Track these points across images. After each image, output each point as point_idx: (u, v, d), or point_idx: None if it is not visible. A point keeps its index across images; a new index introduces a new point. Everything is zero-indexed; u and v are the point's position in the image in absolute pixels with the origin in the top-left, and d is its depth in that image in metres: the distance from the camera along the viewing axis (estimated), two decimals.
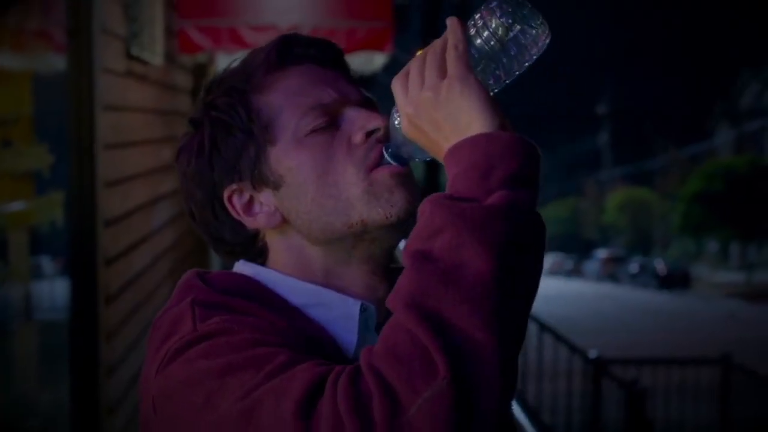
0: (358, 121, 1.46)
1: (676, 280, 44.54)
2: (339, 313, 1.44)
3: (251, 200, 1.48)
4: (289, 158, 1.45)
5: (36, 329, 4.67)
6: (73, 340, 4.66)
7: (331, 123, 1.46)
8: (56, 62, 4.78)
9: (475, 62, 1.34)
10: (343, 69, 1.53)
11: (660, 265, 46.65)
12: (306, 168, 1.44)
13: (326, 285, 1.47)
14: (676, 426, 11.01)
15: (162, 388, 1.33)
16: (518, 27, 1.32)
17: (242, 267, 1.52)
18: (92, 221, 4.65)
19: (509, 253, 1.22)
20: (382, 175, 1.44)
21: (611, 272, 52.68)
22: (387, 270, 1.50)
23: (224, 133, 1.47)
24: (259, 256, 1.51)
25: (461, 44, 1.33)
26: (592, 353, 9.91)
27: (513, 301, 1.22)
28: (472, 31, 1.34)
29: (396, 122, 1.42)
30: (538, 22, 1.32)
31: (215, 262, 9.42)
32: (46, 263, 4.96)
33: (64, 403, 4.66)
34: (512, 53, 1.33)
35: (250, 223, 1.48)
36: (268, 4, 7.14)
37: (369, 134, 1.46)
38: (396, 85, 1.37)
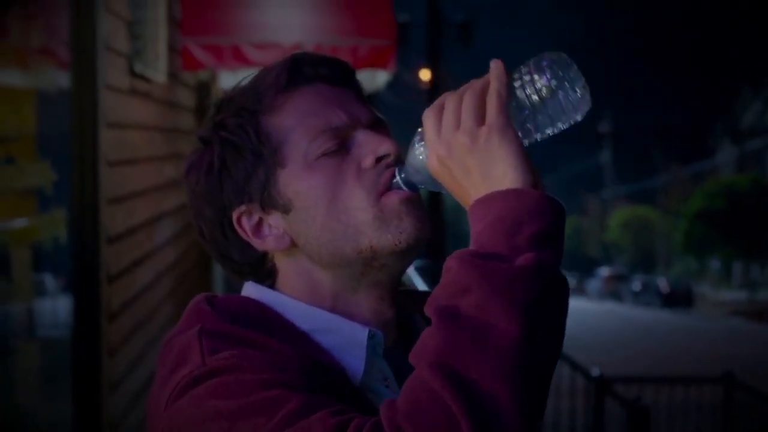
0: (369, 145, 1.45)
1: (678, 299, 44.44)
2: (347, 339, 1.43)
3: (260, 222, 1.47)
4: (298, 182, 1.44)
5: (38, 346, 4.67)
6: (75, 357, 4.65)
7: (341, 146, 1.45)
8: (60, 79, 4.78)
9: (511, 112, 1.33)
10: (354, 87, 1.52)
11: (663, 284, 46.56)
12: (315, 192, 1.43)
13: (334, 309, 1.46)
14: None
15: (172, 424, 1.32)
16: (562, 91, 1.31)
17: (250, 290, 1.51)
18: (95, 238, 4.65)
19: (536, 315, 1.22)
20: (392, 201, 1.43)
21: (614, 290, 52.57)
22: (395, 295, 1.50)
23: (234, 154, 1.46)
24: (268, 277, 1.50)
25: (504, 92, 1.32)
26: (595, 371, 9.88)
27: (538, 364, 1.22)
28: (517, 83, 1.33)
29: (418, 152, 1.41)
30: (582, 88, 1.32)
31: (218, 279, 9.42)
32: (49, 280, 4.95)
33: (66, 420, 4.65)
34: (549, 112, 1.33)
35: (258, 245, 1.47)
36: (271, 22, 7.16)
37: (379, 159, 1.45)
38: (428, 119, 1.36)
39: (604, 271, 57.46)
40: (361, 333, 1.44)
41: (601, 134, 77.60)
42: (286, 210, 1.45)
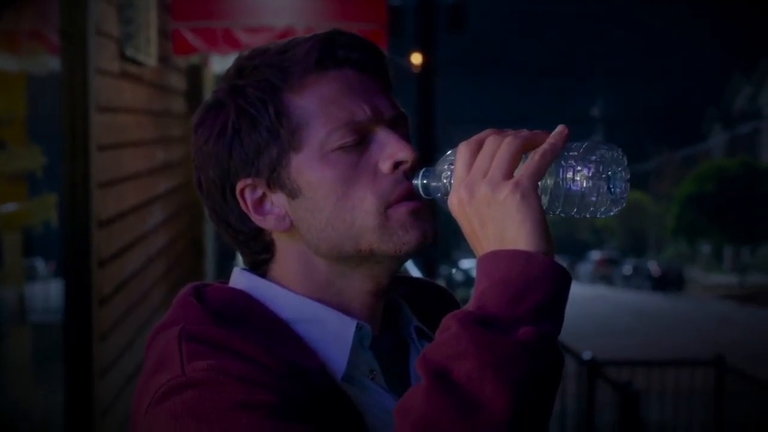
0: (388, 148, 1.42)
1: (669, 282, 44.52)
2: (333, 331, 1.42)
3: (263, 198, 1.44)
4: (310, 171, 1.41)
5: (29, 331, 4.67)
6: (66, 341, 4.65)
7: (360, 141, 1.42)
8: (50, 63, 4.77)
9: (542, 181, 1.31)
10: (383, 75, 1.48)
11: (654, 267, 46.63)
12: (326, 186, 1.41)
13: (325, 296, 1.45)
14: (670, 427, 11.00)
15: None
16: (597, 191, 1.30)
17: (239, 278, 1.49)
18: (86, 222, 4.64)
19: (528, 393, 1.21)
20: (401, 213, 1.41)
21: (605, 274, 52.65)
22: (387, 288, 1.49)
23: (249, 126, 1.42)
24: (265, 250, 1.48)
25: (550, 157, 1.30)
26: (586, 355, 9.89)
27: None
28: (562, 162, 1.31)
29: (444, 174, 1.39)
30: (621, 191, 1.31)
31: (210, 262, 9.42)
32: (40, 265, 4.95)
33: (58, 405, 4.65)
34: (576, 201, 1.31)
35: (258, 221, 1.45)
36: (262, 6, 7.15)
37: (397, 164, 1.42)
38: (462, 154, 1.34)
39: (596, 255, 57.50)
40: (349, 325, 1.42)
41: (592, 118, 77.67)
42: (292, 195, 1.43)
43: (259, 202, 1.45)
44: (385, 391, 1.43)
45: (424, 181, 1.41)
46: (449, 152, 1.40)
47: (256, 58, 1.45)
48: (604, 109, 79.42)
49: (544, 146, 1.30)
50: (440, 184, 1.39)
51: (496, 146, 1.31)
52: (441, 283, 1.78)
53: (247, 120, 1.42)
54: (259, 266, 1.50)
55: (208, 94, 8.84)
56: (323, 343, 1.41)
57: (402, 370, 1.48)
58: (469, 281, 32.61)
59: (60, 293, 4.68)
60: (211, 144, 1.44)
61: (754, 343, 20.25)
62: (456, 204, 1.33)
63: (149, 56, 6.00)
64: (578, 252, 61.38)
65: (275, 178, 1.43)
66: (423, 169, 1.42)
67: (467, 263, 36.07)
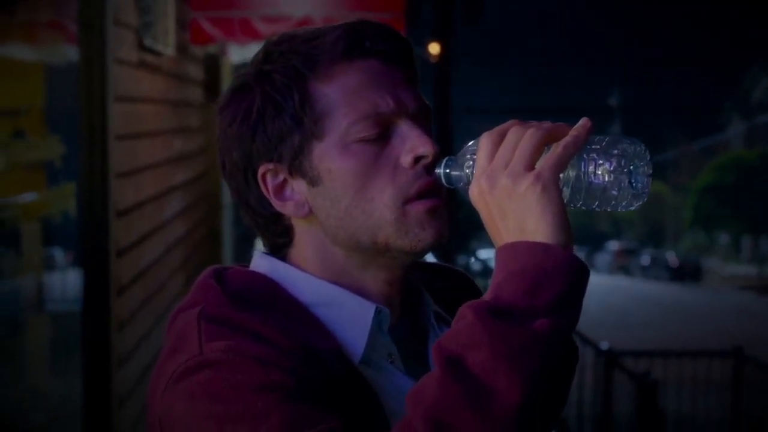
0: (410, 142, 1.42)
1: (687, 273, 44.45)
2: (352, 314, 1.43)
3: (284, 183, 1.45)
4: (331, 160, 1.42)
5: (48, 320, 4.68)
6: (85, 331, 4.67)
7: (382, 134, 1.42)
8: (68, 53, 4.78)
9: (565, 172, 1.31)
10: (408, 67, 1.48)
11: (672, 258, 46.56)
12: (347, 176, 1.41)
13: (343, 282, 1.46)
14: (688, 418, 10.98)
15: (166, 412, 1.34)
16: (618, 185, 1.30)
17: (260, 261, 1.50)
18: (104, 212, 4.65)
19: (541, 385, 1.22)
20: (418, 210, 1.42)
21: (623, 264, 52.60)
22: (403, 278, 1.49)
23: (273, 112, 1.43)
24: (284, 234, 1.49)
25: (573, 150, 1.30)
26: (604, 345, 9.88)
27: (535, 429, 1.22)
28: (585, 155, 1.31)
29: (467, 164, 1.39)
30: (643, 186, 1.31)
31: (228, 251, 9.43)
32: (58, 254, 4.97)
33: (76, 394, 4.67)
34: (597, 194, 1.31)
35: (278, 206, 1.45)
36: None
37: (417, 159, 1.42)
38: (484, 145, 1.34)
39: (614, 245, 57.45)
40: (368, 309, 1.43)
41: (610, 108, 77.45)
42: (313, 182, 1.43)
43: (280, 188, 1.45)
44: (403, 374, 1.44)
45: (447, 171, 1.41)
46: (471, 142, 1.40)
47: (283, 43, 1.45)
48: (621, 99, 79.17)
49: (567, 138, 1.30)
50: (462, 173, 1.40)
51: (519, 137, 1.31)
52: (455, 267, 1.77)
53: (272, 106, 1.43)
54: (279, 250, 1.51)
55: (225, 84, 8.84)
56: (342, 326, 1.42)
57: (421, 355, 1.49)
58: (486, 271, 32.57)
59: (78, 283, 4.69)
60: (235, 127, 1.45)
61: None
62: (477, 194, 1.33)
63: (167, 46, 6.00)
64: (596, 242, 61.30)
65: (297, 165, 1.43)
66: (446, 158, 1.42)
67: (485, 253, 36.02)
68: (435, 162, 1.42)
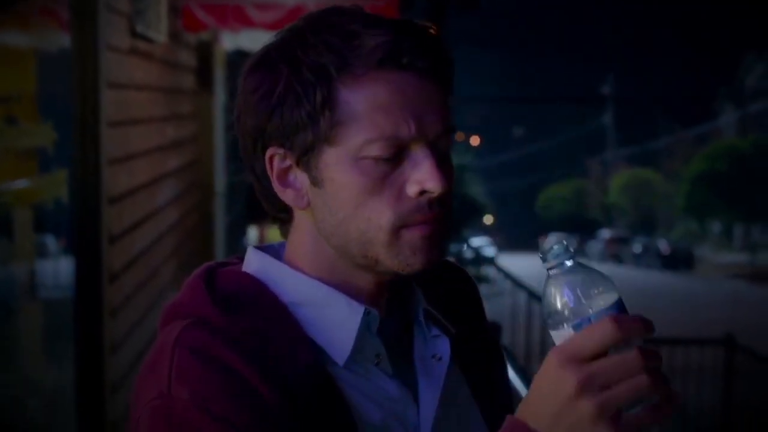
0: (420, 172, 1.39)
1: (679, 261, 44.53)
2: (340, 316, 1.43)
3: (289, 169, 1.44)
4: (337, 170, 1.40)
5: (40, 307, 4.68)
6: (77, 318, 4.67)
7: (395, 156, 1.39)
8: (61, 40, 4.77)
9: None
10: (443, 82, 1.44)
11: (663, 246, 46.63)
12: (350, 190, 1.39)
13: (333, 280, 1.45)
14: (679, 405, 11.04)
15: (137, 428, 1.37)
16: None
17: (252, 257, 1.50)
18: (96, 199, 4.65)
19: None
20: (413, 236, 1.40)
21: (615, 252, 52.66)
22: (390, 284, 1.48)
23: (293, 103, 1.40)
24: (284, 211, 1.48)
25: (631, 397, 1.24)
26: None
27: None
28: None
29: (557, 330, 1.28)
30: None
31: (220, 239, 9.43)
32: (51, 241, 4.96)
33: (68, 381, 4.67)
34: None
35: (278, 191, 1.44)
36: None
37: (423, 192, 1.39)
38: (606, 332, 1.28)
39: (606, 234, 57.53)
40: (357, 310, 1.43)
41: (603, 96, 77.46)
42: (315, 183, 1.42)
43: (284, 173, 1.44)
44: (388, 377, 1.44)
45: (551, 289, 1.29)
46: (597, 290, 1.35)
47: (323, 32, 1.41)
48: (615, 87, 79.19)
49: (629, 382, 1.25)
50: (562, 314, 1.28)
51: (629, 371, 1.26)
52: (451, 261, 1.76)
53: (293, 97, 1.40)
54: (281, 224, 1.51)
55: (218, 71, 8.79)
56: (328, 327, 1.42)
57: (406, 353, 1.49)
58: (478, 259, 32.60)
59: (70, 270, 4.69)
60: (256, 98, 1.42)
61: (764, 323, 20.23)
62: (554, 374, 1.23)
63: (159, 33, 5.99)
64: (588, 230, 61.37)
65: (304, 161, 1.42)
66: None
67: (477, 241, 36.04)
68: (442, 199, 1.40)
